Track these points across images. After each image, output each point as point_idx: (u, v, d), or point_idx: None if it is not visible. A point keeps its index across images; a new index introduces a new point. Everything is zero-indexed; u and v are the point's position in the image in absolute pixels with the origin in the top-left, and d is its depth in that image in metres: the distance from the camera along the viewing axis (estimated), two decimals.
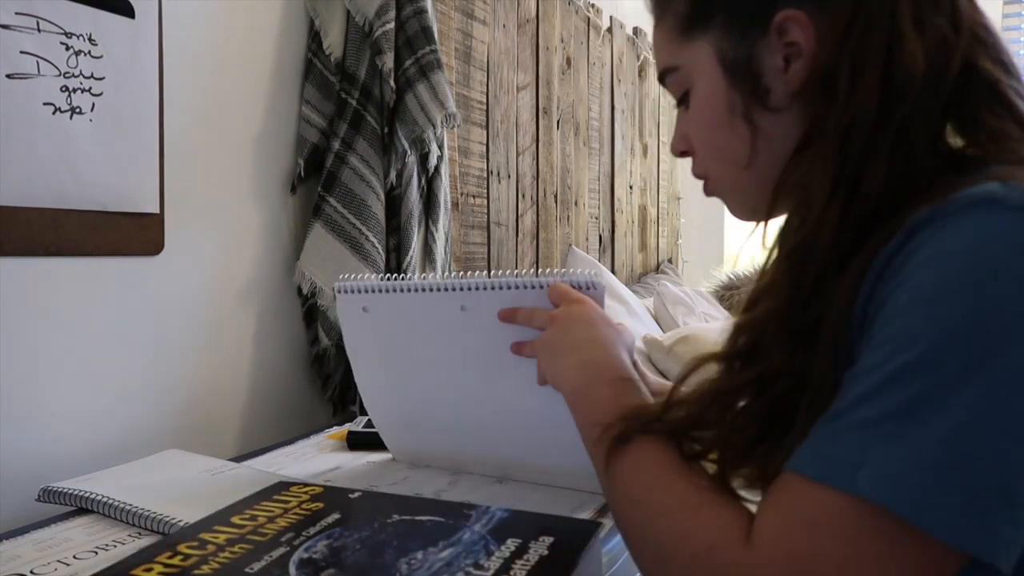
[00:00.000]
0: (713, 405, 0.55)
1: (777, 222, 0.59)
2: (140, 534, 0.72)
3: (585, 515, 0.80)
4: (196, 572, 0.53)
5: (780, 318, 0.52)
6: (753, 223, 0.62)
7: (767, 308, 0.53)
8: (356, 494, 0.70)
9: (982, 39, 0.53)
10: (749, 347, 0.54)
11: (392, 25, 1.28)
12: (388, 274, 0.98)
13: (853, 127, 0.51)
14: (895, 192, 0.49)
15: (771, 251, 0.55)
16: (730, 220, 3.31)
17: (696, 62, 0.61)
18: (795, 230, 0.53)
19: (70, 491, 0.80)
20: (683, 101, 0.65)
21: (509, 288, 0.80)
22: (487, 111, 1.82)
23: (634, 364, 0.73)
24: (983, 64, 0.52)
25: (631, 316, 1.83)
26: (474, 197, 1.76)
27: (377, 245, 1.28)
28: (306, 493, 0.70)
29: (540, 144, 2.08)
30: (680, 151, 0.68)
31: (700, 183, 0.67)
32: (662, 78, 0.66)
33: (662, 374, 1.64)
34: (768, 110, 0.58)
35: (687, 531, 0.50)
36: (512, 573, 0.51)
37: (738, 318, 0.57)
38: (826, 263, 0.50)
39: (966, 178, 0.47)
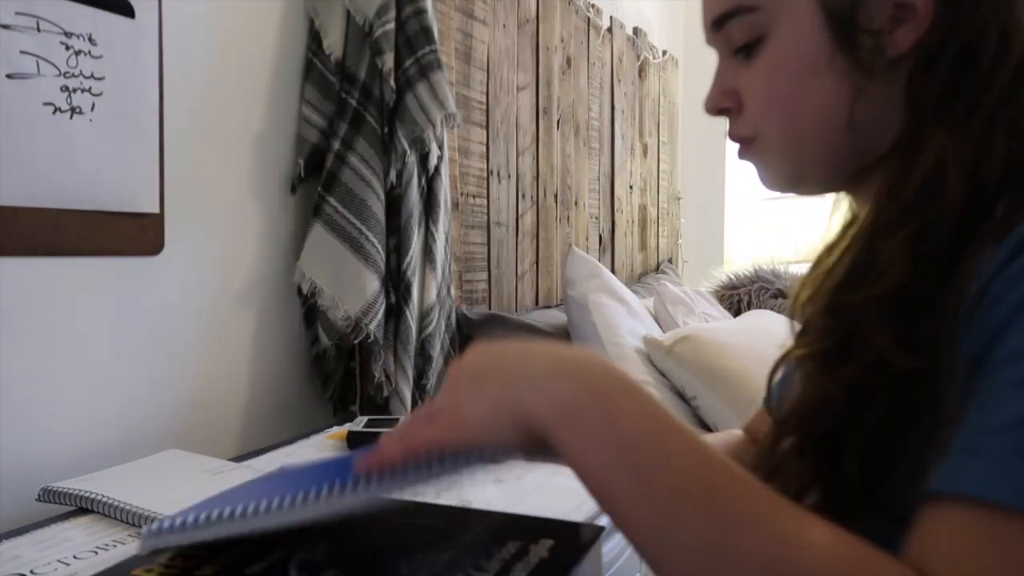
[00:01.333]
0: (818, 419, 0.50)
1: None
2: (140, 534, 0.72)
3: (583, 515, 0.80)
4: (197, 573, 0.52)
5: (891, 302, 0.48)
6: (788, 195, 0.61)
7: (876, 291, 0.48)
8: None
9: None
10: (846, 337, 0.50)
11: (392, 25, 1.28)
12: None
13: (988, 100, 0.49)
14: (1013, 172, 0.47)
15: (869, 227, 0.51)
16: (730, 220, 3.32)
17: (786, 6, 0.54)
18: (920, 208, 0.48)
19: (71, 491, 0.80)
20: (745, 49, 0.57)
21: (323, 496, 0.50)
22: (487, 111, 1.82)
23: None
24: None
25: (631, 316, 1.83)
26: (474, 197, 1.76)
27: (377, 245, 1.28)
28: None
29: (540, 144, 2.08)
30: (720, 108, 0.60)
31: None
32: (724, 19, 0.57)
33: (662, 374, 1.65)
34: (866, 72, 0.53)
35: None
36: (512, 575, 0.51)
37: (826, 302, 0.52)
38: (951, 243, 0.47)
39: None
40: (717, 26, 0.58)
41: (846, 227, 0.62)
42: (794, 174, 0.59)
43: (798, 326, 0.60)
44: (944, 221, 0.47)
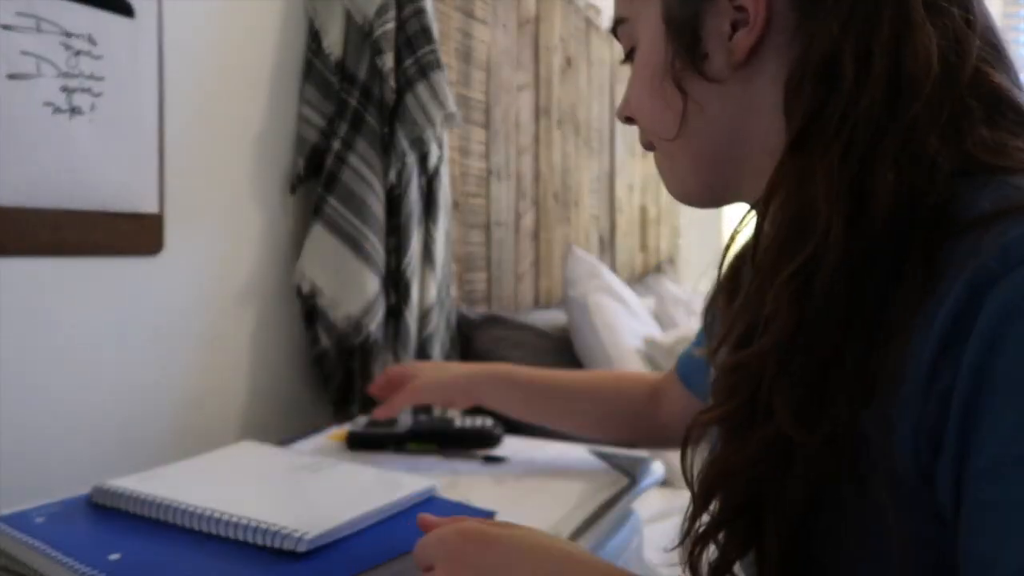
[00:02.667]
0: (732, 491, 0.45)
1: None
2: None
3: (584, 515, 0.80)
4: None
5: (789, 360, 0.43)
6: (697, 208, 0.60)
7: (764, 345, 0.44)
8: None
9: (992, 44, 0.48)
10: (749, 398, 0.45)
11: (392, 25, 1.28)
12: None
13: (858, 125, 0.43)
14: (905, 206, 0.42)
15: (756, 273, 0.47)
16: (730, 220, 3.31)
17: (643, 15, 0.55)
18: (796, 247, 0.44)
19: (149, 498, 0.63)
20: (630, 58, 0.59)
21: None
22: (487, 111, 1.82)
23: None
24: (989, 69, 0.46)
25: (631, 316, 1.83)
26: (474, 197, 1.76)
27: (377, 245, 1.28)
28: None
29: (540, 144, 2.08)
30: (624, 116, 0.60)
31: None
32: (613, 30, 0.60)
33: None
34: (704, 78, 0.51)
35: None
36: None
37: (729, 358, 0.47)
38: (835, 287, 0.42)
39: (993, 195, 0.40)
40: (613, 34, 0.60)
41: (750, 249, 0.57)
42: (678, 184, 0.58)
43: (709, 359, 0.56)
44: (825, 261, 0.42)
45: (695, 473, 0.49)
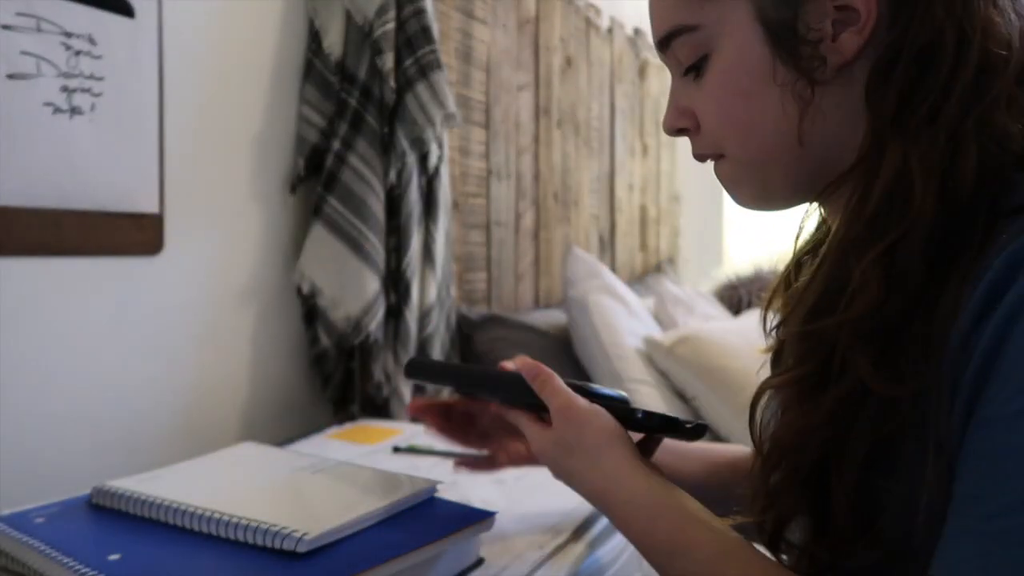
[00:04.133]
0: (801, 451, 0.48)
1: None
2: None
3: (585, 514, 0.80)
4: None
5: (867, 326, 0.46)
6: (761, 212, 0.59)
7: (850, 314, 0.46)
8: None
9: None
10: (823, 363, 0.48)
11: (392, 25, 1.28)
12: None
13: (951, 106, 0.46)
14: (982, 184, 0.45)
15: (836, 249, 0.49)
16: (730, 220, 3.32)
17: (725, 21, 0.53)
18: (889, 222, 0.46)
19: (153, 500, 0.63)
20: (694, 69, 0.56)
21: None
22: (487, 111, 1.82)
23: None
24: None
25: (631, 316, 1.82)
26: (474, 197, 1.76)
27: (377, 245, 1.28)
28: None
29: (540, 144, 2.08)
30: (678, 128, 0.59)
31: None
32: (667, 40, 0.56)
33: (662, 374, 1.65)
34: (815, 82, 0.50)
35: None
36: None
37: (800, 328, 0.50)
38: (919, 262, 0.45)
39: None
40: (663, 47, 0.57)
41: (816, 241, 0.61)
42: (760, 191, 0.57)
43: (772, 337, 0.60)
44: (915, 236, 0.45)
45: (764, 434, 0.52)
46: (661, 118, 0.61)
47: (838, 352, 0.47)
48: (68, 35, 0.94)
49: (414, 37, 1.31)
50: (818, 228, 0.62)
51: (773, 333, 0.60)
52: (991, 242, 0.43)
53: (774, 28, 0.51)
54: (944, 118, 0.46)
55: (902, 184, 0.46)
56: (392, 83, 1.29)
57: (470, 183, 1.74)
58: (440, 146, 1.39)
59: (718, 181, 0.59)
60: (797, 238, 0.61)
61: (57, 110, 0.93)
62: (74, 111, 0.95)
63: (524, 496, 0.84)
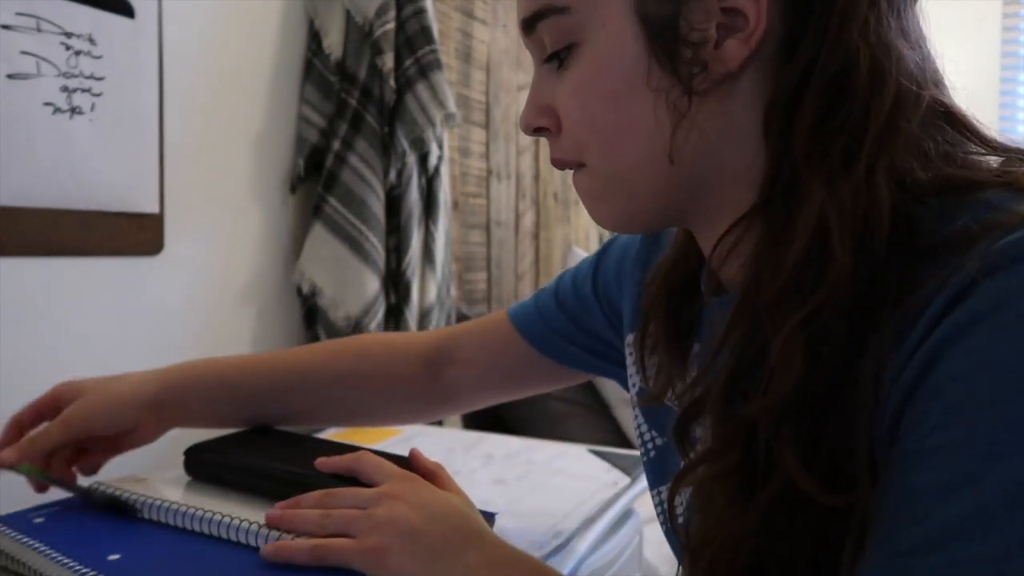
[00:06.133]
0: (733, 559, 0.41)
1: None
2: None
3: (587, 513, 0.80)
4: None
5: (792, 411, 0.39)
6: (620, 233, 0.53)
7: (771, 400, 0.39)
8: None
9: (936, 66, 0.46)
10: (749, 450, 0.41)
11: (392, 25, 1.28)
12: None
13: (864, 141, 0.40)
14: (892, 230, 0.39)
15: (749, 313, 0.42)
16: None
17: (599, 7, 0.45)
18: (808, 283, 0.39)
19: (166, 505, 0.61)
20: (557, 57, 0.48)
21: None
22: (487, 111, 1.82)
23: None
24: (942, 90, 0.45)
25: None
26: (474, 197, 1.76)
27: (377, 245, 1.28)
28: None
29: (540, 144, 2.08)
30: (535, 127, 0.50)
31: None
32: (533, 21, 0.48)
33: None
34: (692, 92, 0.44)
35: None
36: None
37: (718, 409, 0.43)
38: (845, 326, 0.39)
39: (971, 214, 0.38)
40: (528, 28, 0.48)
41: (683, 272, 0.55)
42: (622, 209, 0.49)
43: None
44: (839, 297, 0.38)
45: (687, 532, 0.45)
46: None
47: (761, 443, 0.40)
48: (68, 35, 0.94)
49: (414, 37, 1.31)
50: (677, 252, 0.55)
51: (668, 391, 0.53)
52: (909, 289, 0.38)
53: (652, 23, 0.44)
54: (860, 161, 0.40)
55: (822, 239, 0.39)
56: (392, 83, 1.29)
57: (470, 183, 1.74)
58: (440, 146, 1.39)
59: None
60: (660, 274, 0.55)
61: (57, 110, 0.93)
62: (74, 111, 0.95)
63: (524, 496, 0.84)
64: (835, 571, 0.39)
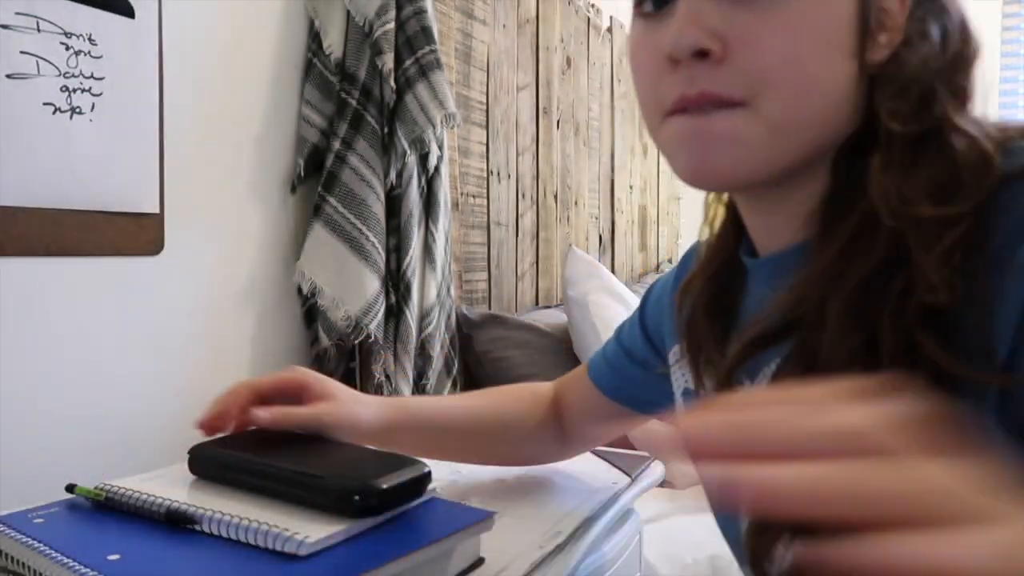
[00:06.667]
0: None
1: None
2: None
3: (588, 512, 0.80)
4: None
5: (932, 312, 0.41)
6: (700, 189, 0.52)
7: (923, 300, 0.41)
8: None
9: None
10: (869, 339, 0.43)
11: (392, 25, 1.28)
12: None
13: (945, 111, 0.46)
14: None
15: (850, 208, 0.45)
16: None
17: None
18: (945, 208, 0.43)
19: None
20: None
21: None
22: (487, 111, 1.82)
23: None
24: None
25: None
26: (474, 197, 1.76)
27: (377, 245, 1.28)
28: None
29: (540, 144, 2.08)
30: (700, 49, 0.45)
31: None
32: None
33: None
34: (864, 64, 0.46)
35: None
36: None
37: (846, 300, 0.44)
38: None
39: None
40: None
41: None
42: (758, 163, 0.47)
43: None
44: (972, 214, 0.43)
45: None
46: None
47: (893, 344, 0.42)
48: (68, 35, 0.94)
49: (414, 37, 1.31)
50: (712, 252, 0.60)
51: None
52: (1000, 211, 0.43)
53: None
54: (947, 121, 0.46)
55: (954, 167, 0.44)
56: (392, 83, 1.29)
57: (470, 183, 1.75)
58: (440, 146, 1.39)
59: (711, 131, 0.47)
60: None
61: (57, 110, 0.93)
62: (74, 111, 0.95)
63: (524, 496, 0.84)
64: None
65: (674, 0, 0.47)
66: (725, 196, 0.60)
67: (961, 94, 0.47)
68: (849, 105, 0.47)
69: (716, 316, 0.57)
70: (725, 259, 0.58)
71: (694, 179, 0.48)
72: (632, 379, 0.77)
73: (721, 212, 0.61)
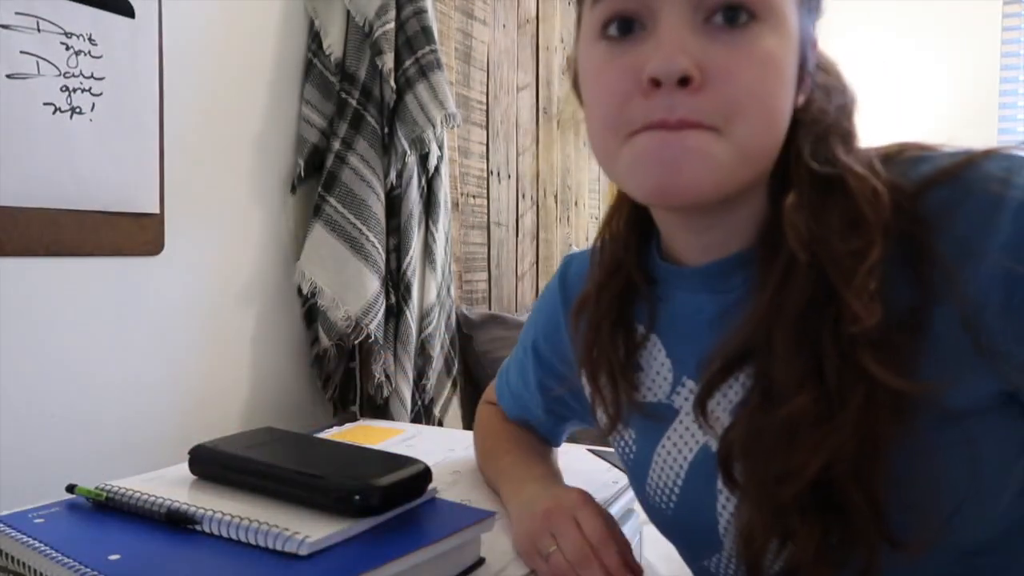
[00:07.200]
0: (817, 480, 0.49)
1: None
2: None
3: None
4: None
5: (875, 333, 0.47)
6: (667, 207, 0.57)
7: (860, 326, 0.48)
8: None
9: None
10: (828, 381, 0.49)
11: (392, 25, 1.28)
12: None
13: (849, 141, 0.54)
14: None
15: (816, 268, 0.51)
16: None
17: (783, 5, 0.50)
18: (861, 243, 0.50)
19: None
20: (729, 17, 0.48)
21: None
22: (487, 111, 1.82)
23: None
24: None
25: None
26: (474, 197, 1.76)
27: (377, 245, 1.28)
28: None
29: (540, 144, 2.08)
30: (686, 75, 0.47)
31: None
32: None
33: None
34: (795, 95, 0.53)
35: None
36: None
37: (786, 352, 0.50)
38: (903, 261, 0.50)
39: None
40: None
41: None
42: (734, 182, 0.51)
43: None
44: (885, 244, 0.50)
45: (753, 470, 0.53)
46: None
47: (833, 371, 0.48)
48: (68, 35, 0.94)
49: (414, 37, 1.31)
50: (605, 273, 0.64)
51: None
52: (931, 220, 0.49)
53: (802, 31, 0.52)
54: (852, 151, 0.54)
55: (860, 203, 0.51)
56: (392, 83, 1.29)
57: (470, 183, 1.75)
58: (440, 146, 1.39)
59: (679, 153, 0.49)
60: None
61: (57, 110, 0.93)
62: (74, 111, 0.95)
63: None
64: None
65: (642, 27, 0.50)
66: (624, 212, 0.64)
67: (851, 138, 0.54)
68: (782, 140, 0.53)
69: (619, 332, 0.63)
70: (626, 274, 0.63)
71: (660, 193, 0.51)
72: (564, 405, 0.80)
73: (617, 228, 0.64)
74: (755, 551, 0.52)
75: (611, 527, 0.64)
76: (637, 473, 0.66)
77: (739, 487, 0.54)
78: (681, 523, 0.62)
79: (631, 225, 0.63)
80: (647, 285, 0.62)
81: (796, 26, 0.51)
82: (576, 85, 0.58)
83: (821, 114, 0.54)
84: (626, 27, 0.50)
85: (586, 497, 0.67)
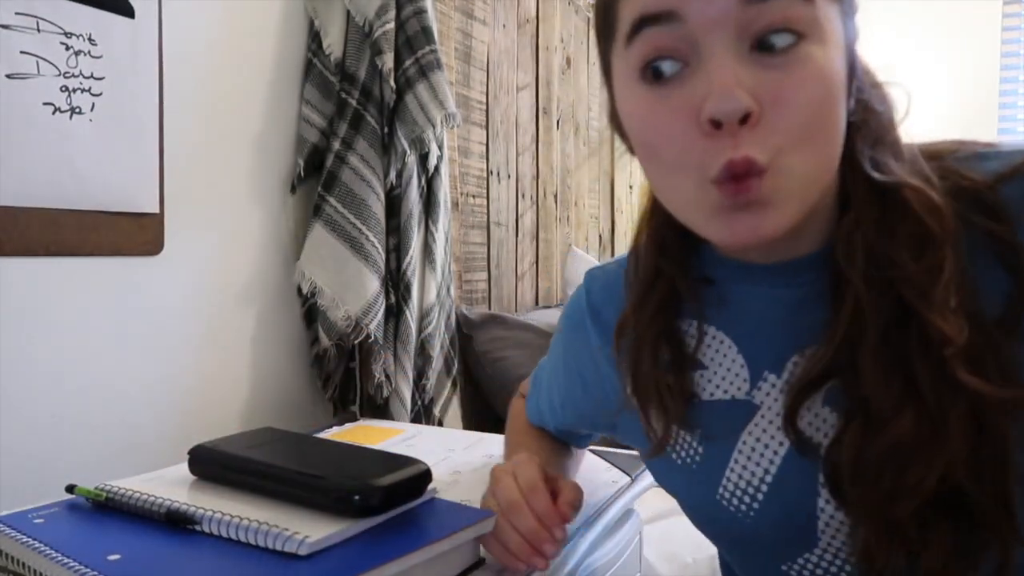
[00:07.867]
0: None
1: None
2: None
3: (584, 514, 0.80)
4: None
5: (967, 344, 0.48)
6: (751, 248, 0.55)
7: (949, 341, 0.48)
8: None
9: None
10: (926, 400, 0.49)
11: (392, 25, 1.28)
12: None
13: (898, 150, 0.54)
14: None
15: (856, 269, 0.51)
16: None
17: (826, 12, 0.48)
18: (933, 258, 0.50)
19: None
20: (771, 41, 0.46)
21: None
22: (487, 111, 1.82)
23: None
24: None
25: None
26: (474, 197, 1.76)
27: (377, 245, 1.28)
28: None
29: (540, 144, 2.08)
30: (747, 112, 0.46)
31: None
32: None
33: None
34: (852, 109, 0.52)
35: None
36: None
37: (881, 369, 0.50)
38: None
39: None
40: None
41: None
42: (798, 215, 0.49)
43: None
44: (957, 251, 0.51)
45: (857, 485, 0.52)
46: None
47: (929, 388, 0.48)
48: (68, 35, 0.94)
49: (414, 37, 1.31)
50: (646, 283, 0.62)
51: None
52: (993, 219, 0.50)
53: (850, 43, 0.51)
54: (903, 159, 0.54)
55: (925, 219, 0.51)
56: (392, 83, 1.29)
57: (470, 183, 1.75)
58: (440, 146, 1.39)
59: (748, 212, 0.48)
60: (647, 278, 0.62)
61: (57, 110, 0.93)
62: (74, 111, 0.95)
63: None
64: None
65: (686, 64, 0.48)
66: (660, 221, 0.60)
67: (898, 145, 0.53)
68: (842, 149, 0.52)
69: (671, 337, 0.61)
70: (668, 280, 0.60)
71: (743, 244, 0.51)
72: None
73: (650, 240, 0.62)
74: (878, 570, 0.51)
75: (548, 479, 0.64)
76: (705, 477, 0.61)
77: (848, 505, 0.52)
78: (768, 523, 0.58)
79: (671, 231, 0.60)
80: (704, 285, 0.60)
81: (840, 32, 0.49)
82: (615, 120, 0.57)
83: (871, 115, 0.53)
84: (669, 66, 0.49)
85: (532, 457, 0.68)
